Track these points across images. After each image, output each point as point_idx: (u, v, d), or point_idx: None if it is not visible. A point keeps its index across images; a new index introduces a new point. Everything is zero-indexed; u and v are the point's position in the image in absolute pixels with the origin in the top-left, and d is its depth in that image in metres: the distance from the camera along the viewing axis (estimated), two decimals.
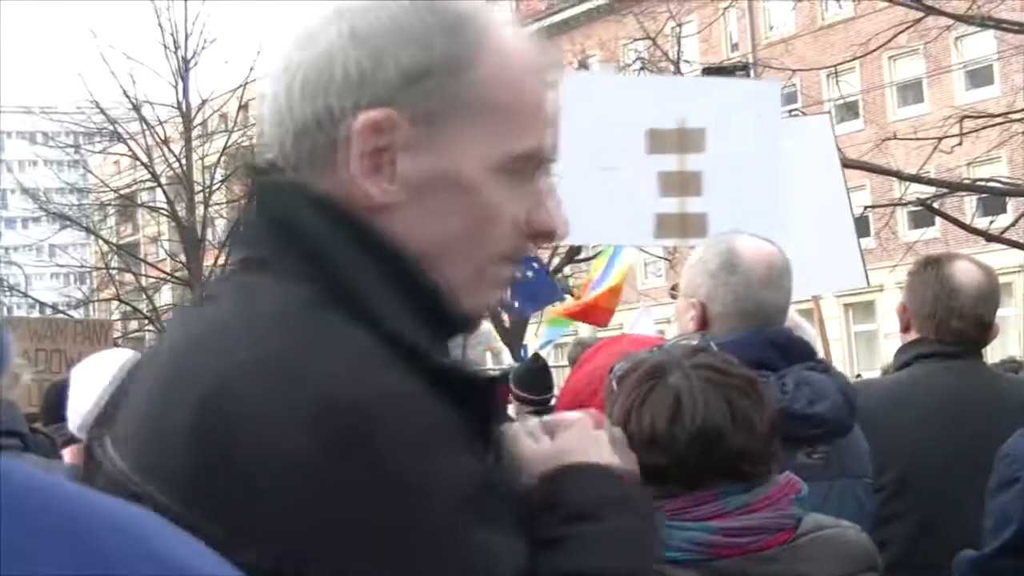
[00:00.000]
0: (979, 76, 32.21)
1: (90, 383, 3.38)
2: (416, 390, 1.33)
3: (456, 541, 1.33)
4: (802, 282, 3.35)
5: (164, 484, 1.33)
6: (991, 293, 3.73)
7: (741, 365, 2.35)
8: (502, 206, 1.48)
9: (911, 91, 34.26)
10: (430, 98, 1.43)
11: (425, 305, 1.44)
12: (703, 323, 3.01)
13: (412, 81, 1.43)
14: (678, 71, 19.76)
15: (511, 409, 5.88)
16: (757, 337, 2.86)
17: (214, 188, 29.04)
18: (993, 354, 29.49)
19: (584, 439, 1.56)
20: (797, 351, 2.95)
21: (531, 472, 1.51)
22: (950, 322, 3.65)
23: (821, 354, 3.72)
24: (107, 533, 0.92)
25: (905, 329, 3.70)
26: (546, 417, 1.64)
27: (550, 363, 7.28)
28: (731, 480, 2.21)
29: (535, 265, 12.88)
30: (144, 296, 30.64)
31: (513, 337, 19.95)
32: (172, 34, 28.26)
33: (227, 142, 29.21)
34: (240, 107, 29.35)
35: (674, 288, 3.18)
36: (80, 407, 3.38)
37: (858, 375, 19.87)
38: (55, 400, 4.10)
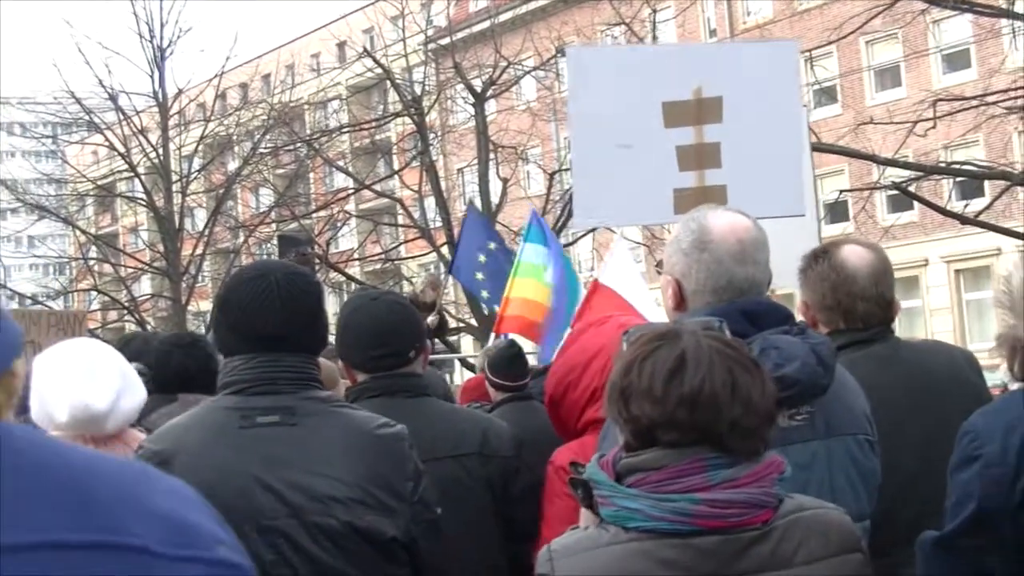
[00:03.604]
0: (956, 60, 32.30)
1: (52, 374, 3.31)
2: None
3: None
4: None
5: None
6: (885, 270, 3.73)
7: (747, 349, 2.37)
8: None
9: (889, 76, 34.33)
10: None
11: None
12: (680, 299, 3.02)
13: None
14: None
15: (492, 392, 5.87)
16: (728, 308, 2.86)
17: (191, 178, 28.92)
18: (972, 338, 29.51)
19: None
20: (769, 318, 2.93)
21: None
22: (856, 307, 3.65)
23: None
24: (99, 484, 1.03)
25: (812, 326, 3.68)
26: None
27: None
28: (716, 452, 2.22)
29: (501, 254, 12.57)
30: (123, 286, 30.53)
31: (489, 326, 19.94)
32: (147, 23, 28.02)
33: (204, 131, 29.07)
34: (217, 96, 29.20)
35: (659, 265, 3.18)
36: (42, 398, 3.31)
37: None
38: (23, 391, 4.02)
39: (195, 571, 1.04)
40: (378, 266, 32.96)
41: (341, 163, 29.47)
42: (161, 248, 28.49)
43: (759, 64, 5.11)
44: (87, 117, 29.16)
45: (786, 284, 3.97)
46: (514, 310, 9.00)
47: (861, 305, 3.65)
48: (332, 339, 3.98)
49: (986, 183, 18.58)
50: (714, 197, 4.59)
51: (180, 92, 28.36)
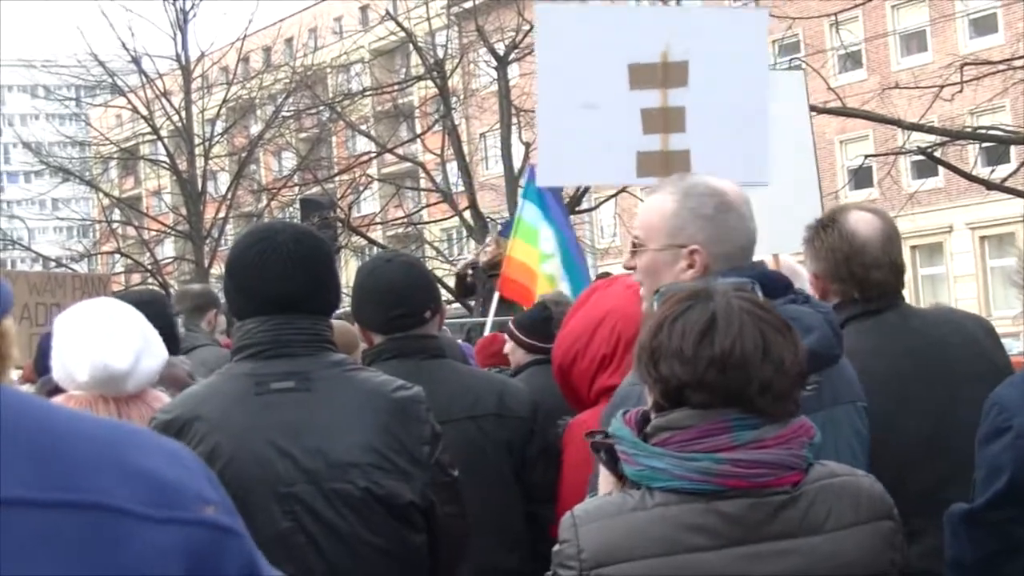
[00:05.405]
0: (983, 24, 32.02)
1: (72, 333, 3.31)
2: None
3: None
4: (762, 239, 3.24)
5: None
6: (894, 236, 3.70)
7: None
8: None
9: (915, 40, 34.08)
10: None
11: None
12: (703, 268, 2.93)
13: None
14: None
15: (518, 355, 5.79)
16: (749, 274, 2.83)
17: (214, 141, 28.96)
18: (996, 305, 29.40)
19: None
20: (775, 286, 2.90)
21: None
22: (870, 277, 3.61)
23: None
24: (77, 443, 1.00)
25: (823, 298, 3.63)
26: None
27: None
28: (745, 413, 2.20)
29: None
30: (146, 249, 30.63)
31: None
32: None
33: (226, 95, 29.07)
34: (239, 59, 29.18)
35: (635, 246, 3.05)
36: (63, 358, 3.32)
37: None
38: (44, 351, 4.01)
39: (176, 533, 1.01)
40: (400, 230, 32.96)
41: (363, 127, 29.42)
42: (184, 211, 28.58)
43: (727, 30, 5.07)
44: (110, 80, 29.23)
45: (791, 246, 3.93)
46: (515, 274, 8.84)
47: (875, 274, 3.62)
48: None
49: (1012, 148, 18.42)
50: (677, 161, 4.57)
51: (203, 55, 28.40)
